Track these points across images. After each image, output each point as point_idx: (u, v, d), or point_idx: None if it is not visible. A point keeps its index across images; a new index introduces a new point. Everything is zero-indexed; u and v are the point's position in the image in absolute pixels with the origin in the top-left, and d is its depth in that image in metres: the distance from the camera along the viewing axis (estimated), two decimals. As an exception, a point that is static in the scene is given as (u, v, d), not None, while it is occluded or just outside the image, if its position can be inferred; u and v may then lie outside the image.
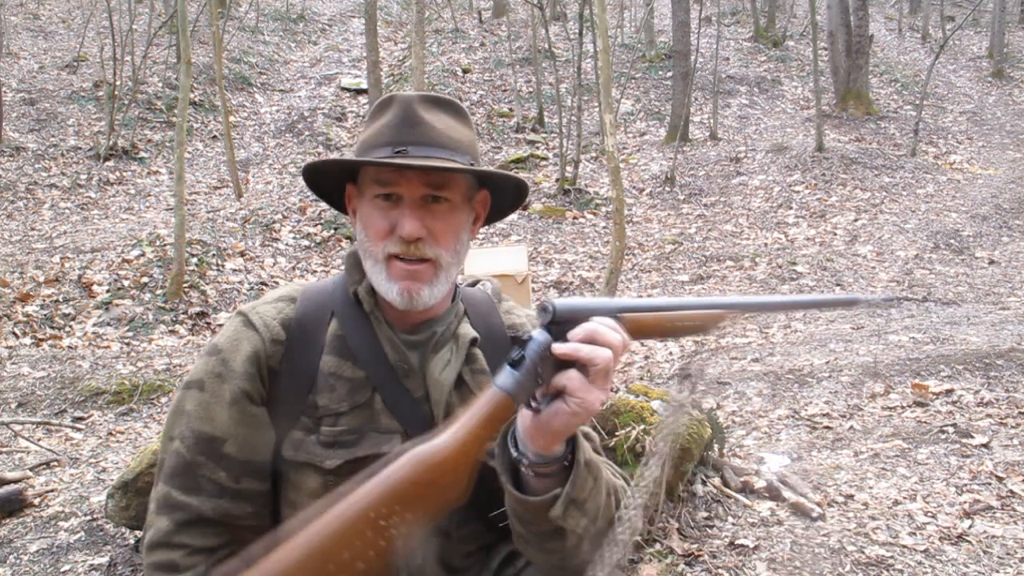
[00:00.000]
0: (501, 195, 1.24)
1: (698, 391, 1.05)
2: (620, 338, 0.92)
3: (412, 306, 1.12)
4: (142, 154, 11.64)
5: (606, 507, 1.06)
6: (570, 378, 0.90)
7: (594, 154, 12.47)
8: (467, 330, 1.20)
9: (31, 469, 3.80)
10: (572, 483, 1.00)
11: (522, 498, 0.99)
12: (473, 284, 1.33)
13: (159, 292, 7.31)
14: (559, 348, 0.90)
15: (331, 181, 1.22)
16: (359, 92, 14.46)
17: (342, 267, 1.25)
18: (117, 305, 7.04)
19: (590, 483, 1.03)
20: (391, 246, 1.10)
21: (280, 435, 1.11)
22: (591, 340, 0.91)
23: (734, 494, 2.99)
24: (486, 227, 1.47)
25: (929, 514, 2.81)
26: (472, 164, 1.14)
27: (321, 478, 1.09)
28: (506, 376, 0.89)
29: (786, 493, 2.97)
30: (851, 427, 3.89)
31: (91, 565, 2.75)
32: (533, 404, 0.93)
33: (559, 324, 0.92)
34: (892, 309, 6.91)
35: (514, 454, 0.98)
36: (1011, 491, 2.92)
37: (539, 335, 0.91)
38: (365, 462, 1.07)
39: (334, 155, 12.28)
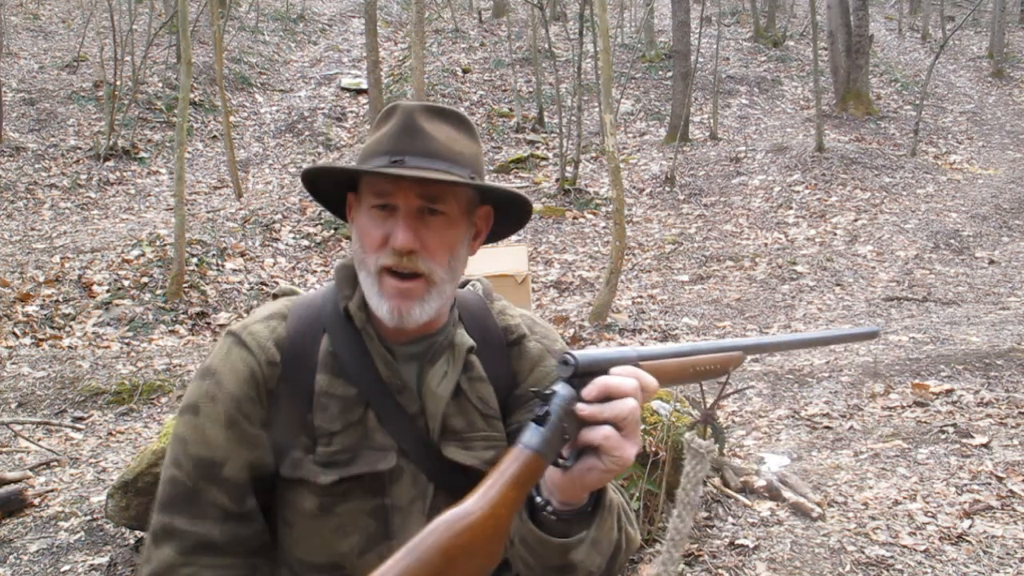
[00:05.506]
0: (505, 211, 1.20)
1: (720, 436, 1.03)
2: (636, 383, 0.89)
3: (402, 324, 1.09)
4: (142, 154, 11.64)
5: (616, 541, 1.05)
6: (607, 436, 0.87)
7: (594, 154, 12.47)
8: (463, 338, 1.18)
9: (31, 469, 3.80)
10: (599, 527, 0.98)
11: (545, 538, 0.96)
12: (463, 285, 1.29)
13: (159, 292, 7.31)
14: (584, 410, 0.87)
15: (331, 188, 1.18)
16: (359, 92, 14.46)
17: (332, 278, 1.22)
18: (117, 305, 7.04)
19: (610, 523, 1.02)
20: (384, 258, 1.07)
21: (280, 456, 1.09)
22: (607, 395, 0.88)
23: (734, 494, 2.99)
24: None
25: (929, 514, 2.81)
26: (473, 178, 1.10)
27: (317, 498, 1.08)
28: (532, 434, 0.86)
29: (786, 493, 2.97)
30: (851, 427, 3.89)
31: (91, 565, 2.75)
32: (560, 461, 0.90)
33: (581, 376, 0.89)
34: (892, 309, 6.91)
35: (538, 500, 0.96)
36: (1011, 491, 2.92)
37: (563, 389, 0.88)
38: (361, 480, 1.07)
39: (334, 156, 12.27)
